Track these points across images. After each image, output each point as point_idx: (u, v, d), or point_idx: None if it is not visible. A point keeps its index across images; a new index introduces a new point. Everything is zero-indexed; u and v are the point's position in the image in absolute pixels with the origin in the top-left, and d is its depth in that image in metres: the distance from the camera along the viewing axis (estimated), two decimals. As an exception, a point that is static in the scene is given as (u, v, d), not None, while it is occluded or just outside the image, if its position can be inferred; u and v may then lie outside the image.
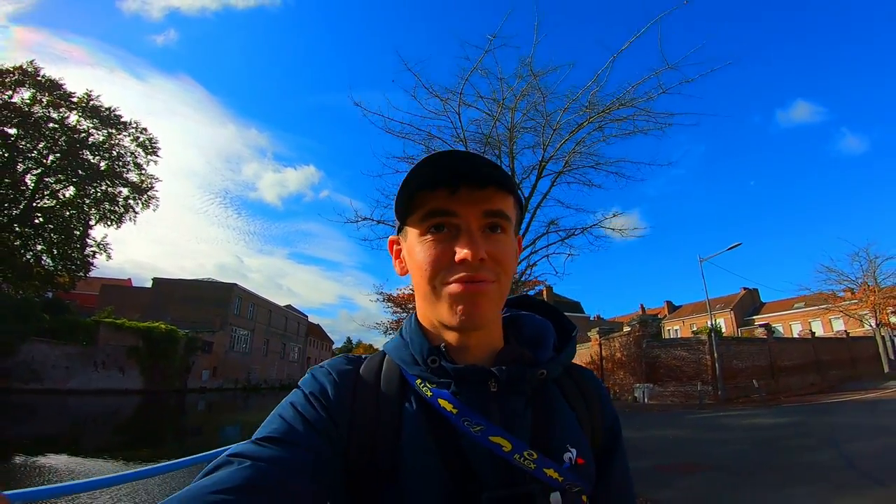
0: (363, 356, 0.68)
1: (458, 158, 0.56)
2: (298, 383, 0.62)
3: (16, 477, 7.07)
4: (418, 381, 0.60)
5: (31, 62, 26.48)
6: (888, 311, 19.78)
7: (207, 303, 40.93)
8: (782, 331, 45.05)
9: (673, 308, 62.48)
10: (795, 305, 46.68)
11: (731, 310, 51.61)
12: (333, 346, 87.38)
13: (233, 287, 43.44)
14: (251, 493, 0.44)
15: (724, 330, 50.22)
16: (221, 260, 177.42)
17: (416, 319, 0.66)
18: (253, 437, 0.52)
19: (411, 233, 0.62)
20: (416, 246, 0.60)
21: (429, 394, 0.59)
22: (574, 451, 0.59)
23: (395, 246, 0.68)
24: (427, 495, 0.53)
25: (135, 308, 35.34)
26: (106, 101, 28.79)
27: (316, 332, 73.83)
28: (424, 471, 0.54)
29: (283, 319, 56.66)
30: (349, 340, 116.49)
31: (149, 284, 43.43)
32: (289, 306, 63.44)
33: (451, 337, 0.62)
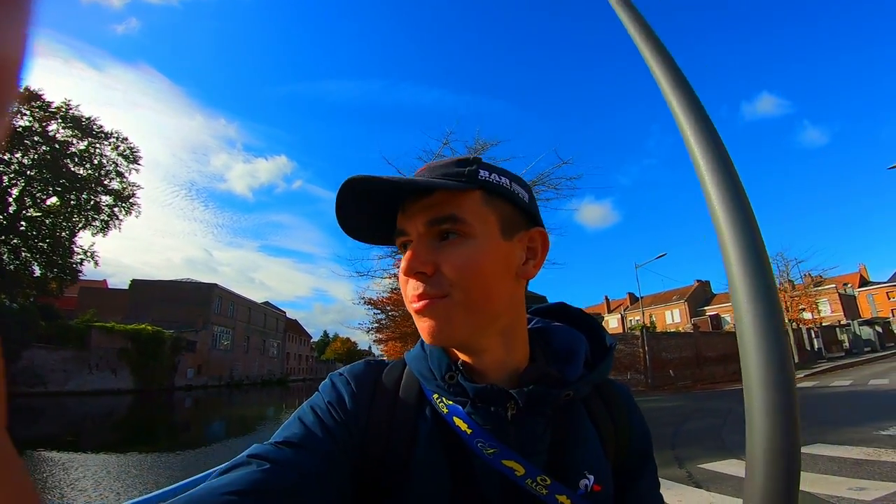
0: (386, 361, 0.67)
1: (400, 178, 0.55)
2: (318, 388, 0.62)
3: (46, 469, 8.34)
4: (435, 396, 0.59)
5: None
6: (798, 308, 23.22)
7: (188, 303, 42.07)
8: (729, 320, 48.89)
9: (634, 299, 66.49)
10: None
11: (686, 301, 55.59)
12: (312, 341, 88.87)
13: (213, 287, 44.63)
14: (267, 496, 0.44)
15: (679, 320, 54.69)
16: (189, 254, 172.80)
17: None
18: (272, 440, 0.52)
19: None
20: None
21: (445, 410, 0.57)
22: (592, 477, 0.57)
23: None
24: None
25: (115, 310, 36.26)
26: (86, 111, 29.69)
27: (294, 328, 75.09)
28: (432, 488, 0.54)
29: (262, 316, 57.92)
30: (325, 334, 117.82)
31: (114, 280, 44.01)
32: (267, 303, 64.62)
33: (462, 353, 0.60)
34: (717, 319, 47.34)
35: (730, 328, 28.00)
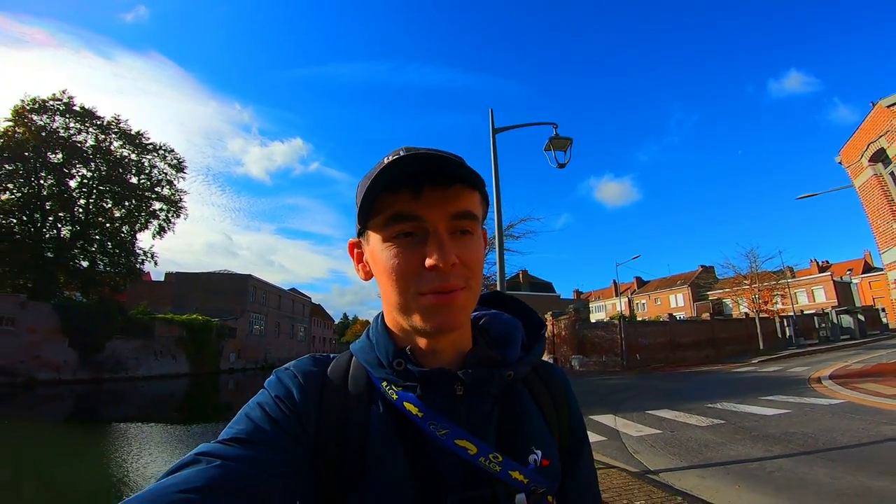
0: (331, 355, 0.68)
1: (421, 157, 0.54)
2: (264, 384, 0.61)
3: (141, 440, 10.23)
4: (384, 383, 0.60)
5: (64, 91, 30.46)
6: (764, 300, 26.18)
7: (225, 293, 46.64)
8: (730, 304, 50.81)
9: (642, 283, 69.03)
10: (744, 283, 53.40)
11: (689, 286, 58.02)
12: (334, 325, 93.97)
13: (248, 277, 49.17)
14: (219, 493, 0.44)
15: (682, 304, 57.24)
16: (209, 238, 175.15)
17: (383, 321, 0.65)
18: (220, 437, 0.52)
19: (374, 237, 0.59)
20: (381, 252, 0.58)
21: (394, 397, 0.59)
22: (539, 452, 0.60)
23: (355, 249, 0.66)
24: (393, 498, 0.54)
25: (161, 301, 40.83)
26: (134, 126, 33.44)
27: (318, 313, 79.97)
28: (391, 474, 0.54)
29: (291, 303, 62.52)
30: (345, 317, 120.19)
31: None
32: (293, 289, 69.38)
33: (419, 340, 0.61)
34: (719, 304, 49.82)
35: (737, 315, 30.77)
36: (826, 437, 6.04)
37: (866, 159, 11.58)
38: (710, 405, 9.42)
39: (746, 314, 29.09)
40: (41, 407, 18.01)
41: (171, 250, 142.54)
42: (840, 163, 12.96)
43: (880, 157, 11.11)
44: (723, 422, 7.64)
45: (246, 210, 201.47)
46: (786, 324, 29.08)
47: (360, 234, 0.62)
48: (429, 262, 0.54)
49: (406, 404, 0.58)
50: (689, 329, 25.88)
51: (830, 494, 4.00)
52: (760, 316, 26.46)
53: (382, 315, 0.66)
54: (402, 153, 0.56)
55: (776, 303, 27.25)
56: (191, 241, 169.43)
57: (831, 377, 12.21)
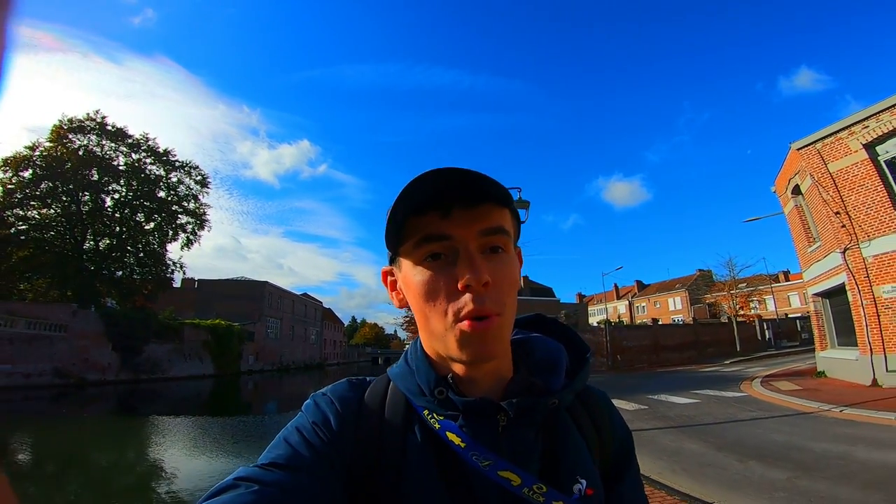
0: (367, 379, 0.67)
1: (445, 176, 0.52)
2: (302, 408, 0.61)
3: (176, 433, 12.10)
4: (426, 412, 0.59)
5: (97, 111, 33.35)
6: (738, 306, 28.41)
7: (243, 298, 49.54)
8: (726, 308, 52.52)
9: (642, 287, 70.85)
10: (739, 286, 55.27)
11: (687, 289, 59.80)
12: (344, 328, 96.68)
13: (265, 284, 52.13)
14: None
15: (680, 307, 59.07)
16: (218, 242, 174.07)
17: (422, 348, 0.63)
18: (259, 462, 0.52)
19: (405, 263, 0.58)
20: (413, 277, 0.57)
21: (437, 426, 0.57)
22: (584, 482, 0.58)
23: (388, 277, 0.65)
24: None
25: (185, 306, 43.76)
26: (162, 144, 36.23)
27: (329, 317, 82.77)
28: (428, 503, 0.54)
29: (303, 307, 65.34)
30: (354, 320, 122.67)
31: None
32: (305, 294, 72.29)
33: (458, 368, 0.59)
34: (714, 308, 51.38)
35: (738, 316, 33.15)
36: (702, 418, 8.41)
37: (789, 192, 13.86)
38: (650, 396, 11.79)
39: (729, 318, 31.19)
40: (91, 405, 20.20)
41: (183, 255, 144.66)
42: (774, 192, 15.22)
43: (797, 191, 13.38)
44: (646, 407, 10.00)
45: (254, 213, 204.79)
46: (765, 327, 31.10)
47: (392, 261, 0.63)
48: (461, 281, 0.53)
49: (448, 434, 0.57)
50: (673, 332, 28.07)
51: (667, 450, 6.41)
52: (738, 320, 28.59)
53: (420, 341, 0.64)
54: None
55: (752, 307, 29.32)
56: (201, 244, 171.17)
57: (767, 376, 14.47)
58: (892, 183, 10.27)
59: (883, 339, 9.96)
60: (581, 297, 74.79)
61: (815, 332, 13.88)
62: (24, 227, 29.39)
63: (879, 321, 10.02)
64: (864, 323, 10.31)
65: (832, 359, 12.59)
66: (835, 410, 8.13)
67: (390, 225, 0.55)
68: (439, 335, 0.57)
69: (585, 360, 0.66)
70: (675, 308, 60.64)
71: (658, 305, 63.86)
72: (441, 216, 0.54)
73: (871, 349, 10.21)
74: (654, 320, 29.03)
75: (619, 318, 63.91)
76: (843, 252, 10.80)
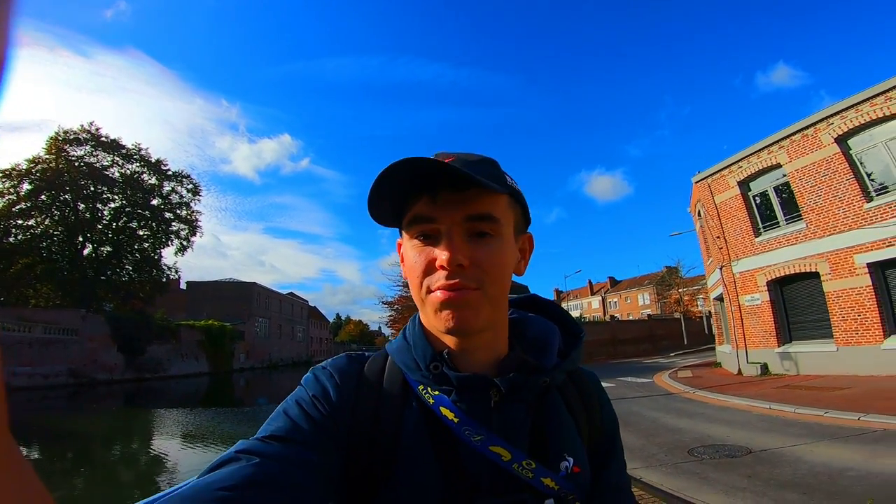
0: (366, 353, 0.68)
1: (429, 162, 0.54)
2: (301, 382, 0.62)
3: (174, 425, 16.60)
4: (421, 387, 0.61)
5: (91, 123, 34.93)
6: (685, 304, 31.98)
7: (233, 299, 51.50)
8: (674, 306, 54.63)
9: (614, 283, 74.51)
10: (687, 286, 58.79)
11: (655, 285, 63.30)
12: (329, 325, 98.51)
13: (253, 285, 54.28)
14: (259, 490, 0.45)
15: (648, 302, 62.77)
16: (197, 240, 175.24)
17: (420, 323, 0.65)
18: (258, 434, 0.53)
19: (405, 238, 0.62)
20: (406, 252, 0.61)
21: (431, 401, 0.59)
22: (571, 459, 0.61)
23: (400, 248, 0.67)
24: (422, 499, 0.55)
25: (177, 308, 45.55)
26: (134, 140, 37.59)
27: (315, 315, 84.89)
28: (421, 475, 0.55)
29: (290, 306, 67.33)
30: (338, 317, 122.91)
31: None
32: (291, 293, 74.27)
33: (451, 342, 0.61)
34: (678, 304, 54.80)
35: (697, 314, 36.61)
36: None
37: (696, 215, 17.01)
38: (604, 382, 14.77)
39: (682, 314, 34.67)
40: (102, 401, 22.14)
41: (177, 260, 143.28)
42: (690, 212, 18.39)
43: (700, 214, 16.54)
44: (568, 392, 12.96)
45: (232, 210, 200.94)
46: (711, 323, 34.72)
47: (400, 233, 0.65)
48: (438, 260, 0.56)
49: (442, 409, 0.58)
50: (630, 327, 31.39)
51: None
52: (686, 316, 32.06)
53: (419, 317, 0.66)
54: (415, 158, 0.54)
55: (697, 304, 32.81)
56: (193, 250, 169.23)
57: (684, 367, 17.62)
58: (757, 215, 13.39)
59: (745, 338, 13.10)
60: (558, 292, 78.07)
61: (715, 330, 17.09)
62: (25, 237, 31.22)
63: (743, 323, 13.17)
64: (733, 325, 13.45)
65: (723, 353, 15.83)
66: (691, 392, 11.12)
67: (372, 199, 0.57)
68: (419, 305, 0.61)
69: (579, 341, 0.69)
70: (643, 303, 64.12)
71: (629, 301, 67.42)
72: (430, 199, 0.58)
73: (737, 345, 13.36)
74: (613, 317, 32.16)
75: (592, 314, 67.32)
76: (721, 268, 13.94)
